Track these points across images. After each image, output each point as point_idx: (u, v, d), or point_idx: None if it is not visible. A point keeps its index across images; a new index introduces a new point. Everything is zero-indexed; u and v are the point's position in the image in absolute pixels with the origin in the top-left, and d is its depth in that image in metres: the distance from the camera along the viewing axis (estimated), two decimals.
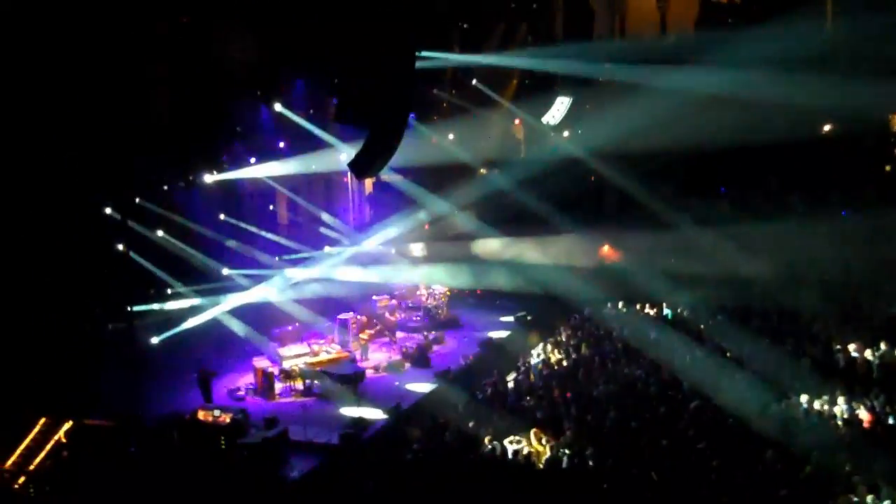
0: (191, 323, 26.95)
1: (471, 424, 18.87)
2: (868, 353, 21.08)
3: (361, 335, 28.25)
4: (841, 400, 17.99)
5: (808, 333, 23.38)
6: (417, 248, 36.51)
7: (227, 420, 20.68)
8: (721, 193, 35.21)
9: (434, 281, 32.85)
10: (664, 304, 27.64)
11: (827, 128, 35.34)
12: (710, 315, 25.44)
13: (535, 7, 40.05)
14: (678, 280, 28.22)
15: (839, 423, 17.50)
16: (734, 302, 26.19)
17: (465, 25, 36.05)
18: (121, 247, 25.25)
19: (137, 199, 27.00)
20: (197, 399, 23.12)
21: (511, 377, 23.37)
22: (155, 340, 26.06)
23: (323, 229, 34.50)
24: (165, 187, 28.44)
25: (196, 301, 28.06)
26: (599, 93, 37.41)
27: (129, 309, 24.37)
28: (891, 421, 17.20)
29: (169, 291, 27.91)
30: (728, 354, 21.94)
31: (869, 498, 13.83)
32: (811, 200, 32.14)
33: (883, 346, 21.22)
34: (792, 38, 30.04)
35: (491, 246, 34.71)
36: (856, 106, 30.72)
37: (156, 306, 27.31)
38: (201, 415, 21.08)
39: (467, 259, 34.70)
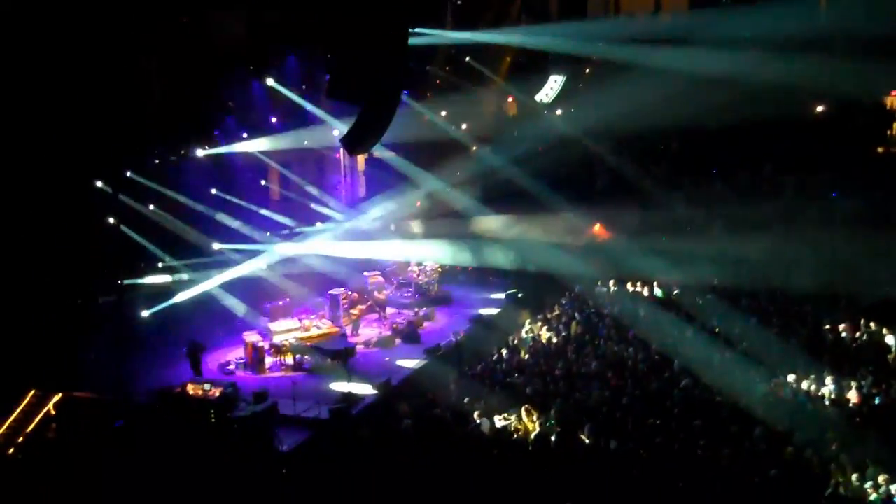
0: (181, 297, 26.92)
1: (461, 400, 18.95)
2: (856, 334, 21.22)
3: (352, 311, 28.28)
4: (829, 380, 18.12)
5: (797, 314, 23.49)
6: (409, 225, 36.47)
7: (217, 394, 20.72)
8: (713, 173, 35.18)
9: (425, 257, 32.84)
10: (655, 283, 27.69)
11: (820, 108, 35.37)
12: (701, 294, 25.52)
13: None
14: (669, 259, 28.26)
15: (826, 402, 17.64)
16: (724, 282, 26.30)
17: (459, 2, 35.91)
18: (112, 220, 25.17)
19: (129, 173, 26.92)
20: (187, 373, 23.13)
21: (501, 354, 23.43)
22: (145, 314, 26.06)
23: (314, 205, 34.44)
24: (157, 161, 28.35)
25: (187, 275, 28.03)
26: (593, 72, 37.37)
27: (119, 282, 24.36)
28: (877, 401, 17.33)
29: (160, 265, 27.88)
30: (718, 334, 22.03)
31: (854, 476, 13.96)
32: (803, 181, 32.20)
33: (871, 326, 21.34)
34: (785, 18, 30.02)
35: (484, 223, 34.68)
36: (849, 86, 30.77)
37: (147, 280, 27.29)
38: (191, 388, 21.11)
39: (459, 236, 34.68)
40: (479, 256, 33.41)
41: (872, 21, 33.35)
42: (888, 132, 36.63)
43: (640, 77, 31.29)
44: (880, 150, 35.97)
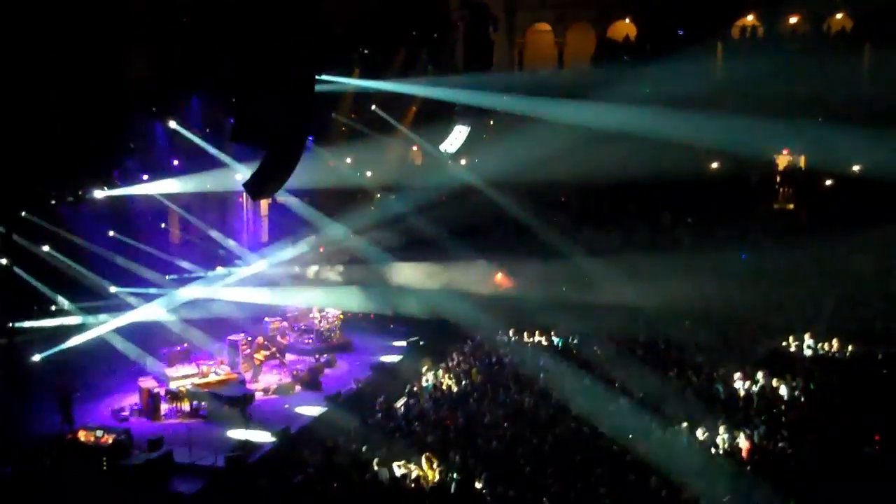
0: (75, 341, 26.21)
1: (361, 448, 18.83)
2: (749, 384, 21.79)
3: (253, 356, 27.92)
4: (722, 429, 18.51)
5: (692, 364, 24.01)
6: (311, 271, 36.27)
7: (110, 441, 20.19)
8: (612, 225, 35.97)
9: (327, 303, 32.68)
10: (554, 333, 28.02)
11: (714, 165, 36.57)
12: (599, 344, 25.91)
13: (436, 36, 40.48)
14: (569, 309, 28.67)
15: (720, 451, 18.03)
16: (622, 331, 26.77)
17: (365, 51, 36.18)
18: (3, 261, 24.48)
19: (23, 213, 26.24)
20: (79, 419, 22.45)
21: (402, 402, 23.40)
22: (37, 358, 25.27)
23: (216, 249, 34.03)
24: (53, 202, 27.70)
25: (81, 319, 27.33)
26: (497, 123, 38.02)
27: (10, 325, 23.65)
28: (769, 450, 17.78)
29: (53, 308, 27.12)
30: (615, 382, 22.36)
31: None
32: (698, 235, 33.13)
33: (763, 377, 21.94)
34: (683, 76, 31.07)
35: (386, 270, 34.69)
36: (742, 145, 31.91)
37: (39, 323, 26.50)
38: (82, 435, 20.54)
39: (361, 282, 34.66)
40: (381, 303, 33.37)
41: (765, 82, 34.84)
42: (779, 189, 38.06)
43: (543, 130, 32.00)
44: (772, 205, 37.34)
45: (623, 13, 46.51)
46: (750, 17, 43.35)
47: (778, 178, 38.38)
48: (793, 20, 42.96)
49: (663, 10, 41.12)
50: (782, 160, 39.18)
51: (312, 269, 36.22)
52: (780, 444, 17.87)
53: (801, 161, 39.14)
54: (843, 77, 34.59)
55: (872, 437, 17.83)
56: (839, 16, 42.77)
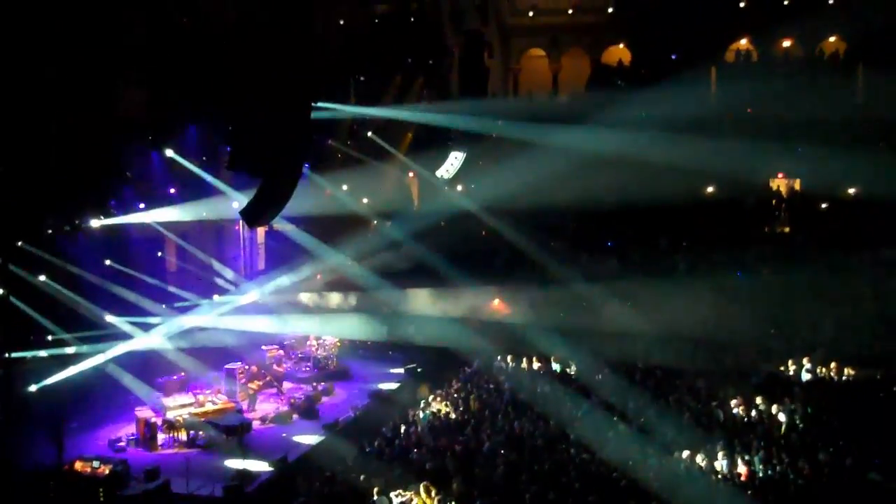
0: (72, 371, 26.06)
1: (359, 477, 18.72)
2: (748, 410, 21.73)
3: (249, 385, 27.81)
4: (720, 455, 18.43)
5: (690, 389, 23.96)
6: (308, 298, 36.21)
7: (106, 471, 20.10)
8: (609, 250, 35.98)
9: (324, 331, 32.63)
10: (552, 359, 27.95)
11: (710, 189, 36.61)
12: (597, 370, 25.85)
13: (431, 63, 40.63)
14: (566, 335, 28.61)
15: (718, 477, 17.95)
16: (620, 357, 26.70)
17: (361, 78, 36.29)
18: (0, 291, 24.39)
19: (19, 243, 26.16)
20: (75, 449, 22.33)
21: (400, 429, 23.30)
22: (33, 388, 25.12)
23: (212, 277, 33.96)
24: (49, 231, 27.63)
25: (78, 349, 27.20)
26: (492, 149, 38.08)
27: (6, 355, 23.53)
28: (768, 475, 17.70)
29: (49, 338, 26.96)
30: (613, 409, 22.29)
31: None
32: (695, 259, 33.10)
33: (761, 402, 21.88)
34: (678, 101, 31.15)
35: (383, 297, 34.63)
36: (737, 168, 31.95)
37: (35, 353, 26.36)
38: (79, 466, 20.45)
39: (359, 310, 34.63)
40: (379, 330, 33.31)
41: (760, 104, 34.96)
42: (776, 212, 38.07)
43: (539, 155, 32.04)
44: (767, 229, 37.33)
45: (617, 39, 46.73)
46: (743, 42, 43.54)
47: (774, 202, 38.40)
48: (786, 44, 43.16)
49: (657, 36, 41.31)
50: (778, 183, 39.23)
51: (309, 297, 36.16)
52: (779, 469, 17.78)
53: (797, 184, 39.20)
54: (837, 100, 34.70)
55: (872, 461, 17.76)
56: (832, 39, 42.96)
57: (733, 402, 22.14)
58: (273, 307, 33.84)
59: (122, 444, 23.85)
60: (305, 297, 36.08)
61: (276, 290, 34.09)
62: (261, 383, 28.43)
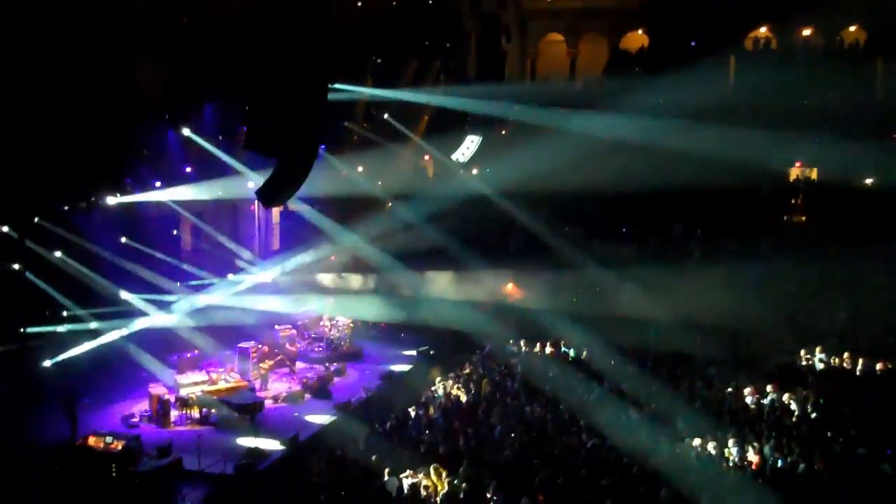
0: (86, 347, 26.20)
1: (370, 458, 18.79)
2: (759, 398, 21.70)
3: (262, 364, 27.91)
4: (731, 443, 18.42)
5: (702, 376, 23.93)
6: (322, 279, 36.28)
7: (119, 447, 20.18)
8: (623, 236, 35.90)
9: (338, 312, 32.70)
10: (564, 343, 27.95)
11: (726, 177, 36.45)
12: (610, 355, 25.84)
13: (449, 46, 40.54)
14: (579, 320, 28.60)
15: (729, 465, 17.94)
16: (633, 343, 26.68)
17: (378, 60, 36.23)
18: (16, 266, 24.51)
19: (36, 219, 26.28)
20: (89, 424, 22.48)
21: (412, 411, 23.36)
22: (48, 364, 25.27)
23: (227, 256, 34.03)
24: (66, 207, 27.73)
25: (93, 325, 27.33)
26: (509, 133, 38.00)
27: (22, 330, 23.68)
28: (779, 464, 17.69)
29: (65, 314, 27.11)
30: (625, 395, 22.29)
31: None
32: (709, 247, 33.02)
33: (774, 391, 21.84)
34: (696, 88, 31.01)
35: (397, 279, 34.66)
36: (755, 157, 31.79)
37: (51, 328, 26.51)
38: (92, 441, 20.54)
39: (373, 291, 34.70)
40: (392, 312, 33.35)
41: (778, 96, 34.77)
42: (792, 201, 37.91)
43: (555, 140, 32.01)
44: (785, 218, 37.19)
45: (636, 24, 46.56)
46: (763, 30, 43.33)
47: (790, 191, 38.25)
48: (806, 32, 42.94)
49: (676, 22, 41.12)
50: (794, 172, 39.07)
51: (323, 278, 36.24)
52: (790, 458, 17.77)
53: (814, 173, 39.03)
54: (855, 89, 34.49)
55: (884, 452, 17.72)
56: (852, 28, 42.72)
57: (746, 391, 22.10)
58: (287, 287, 33.92)
59: (136, 420, 23.99)
60: (319, 278, 36.14)
61: (290, 270, 34.18)
62: (273, 362, 28.52)
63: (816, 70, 36.33)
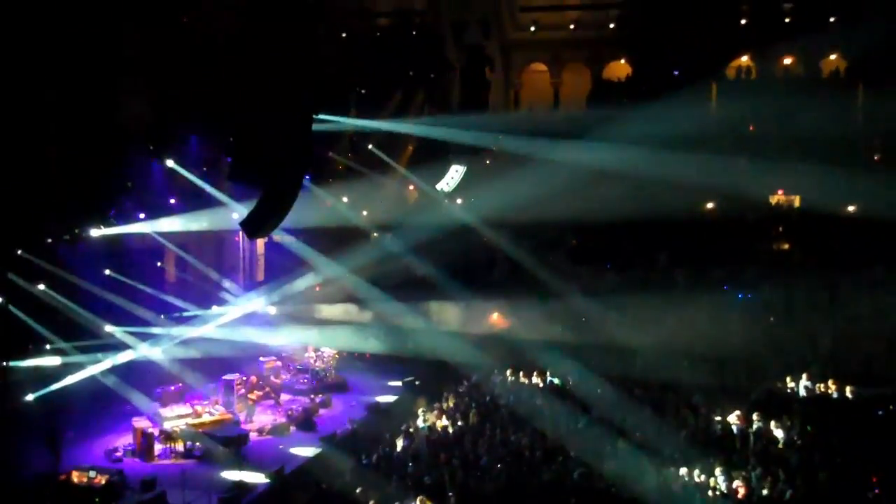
0: (69, 380, 26.00)
1: (356, 490, 18.68)
2: (746, 426, 21.68)
3: (248, 396, 27.76)
4: (718, 471, 18.39)
5: (688, 405, 23.91)
6: (307, 310, 36.17)
7: (103, 482, 20.03)
8: (608, 265, 35.96)
9: (322, 343, 32.60)
10: (550, 373, 27.90)
11: (710, 205, 36.63)
12: (595, 385, 25.80)
13: (433, 76, 40.74)
14: (565, 349, 28.58)
15: (716, 493, 17.90)
16: (619, 372, 26.65)
17: (363, 90, 36.36)
18: None
19: (19, 251, 26.13)
20: (72, 459, 22.28)
21: (397, 443, 23.25)
22: (30, 398, 25.06)
23: (212, 288, 33.91)
24: (50, 240, 27.59)
25: (76, 358, 27.13)
26: (493, 162, 38.11)
27: (4, 364, 23.50)
28: (765, 492, 17.66)
29: (48, 347, 26.90)
30: (612, 423, 22.24)
31: None
32: (694, 275, 33.10)
33: (760, 418, 21.84)
34: (678, 117, 31.18)
35: (381, 310, 34.58)
36: (737, 185, 31.94)
37: (33, 362, 26.29)
38: (75, 476, 20.38)
39: (357, 322, 34.62)
40: (377, 343, 33.27)
41: (760, 121, 35.00)
42: (775, 229, 38.05)
43: (539, 169, 32.06)
44: (767, 246, 37.30)
45: (618, 54, 46.86)
46: (744, 58, 43.63)
47: (774, 219, 38.40)
48: (787, 61, 43.26)
49: (658, 51, 41.42)
50: (776, 199, 39.26)
51: (308, 309, 36.12)
52: (777, 486, 17.74)
53: (796, 201, 39.22)
54: (836, 117, 34.75)
55: (869, 478, 17.72)
56: (833, 57, 43.07)
57: (732, 419, 22.09)
58: (272, 318, 33.81)
59: (119, 454, 23.81)
60: (304, 309, 36.02)
61: (275, 301, 34.07)
62: (258, 395, 28.39)
63: (798, 98, 36.53)
